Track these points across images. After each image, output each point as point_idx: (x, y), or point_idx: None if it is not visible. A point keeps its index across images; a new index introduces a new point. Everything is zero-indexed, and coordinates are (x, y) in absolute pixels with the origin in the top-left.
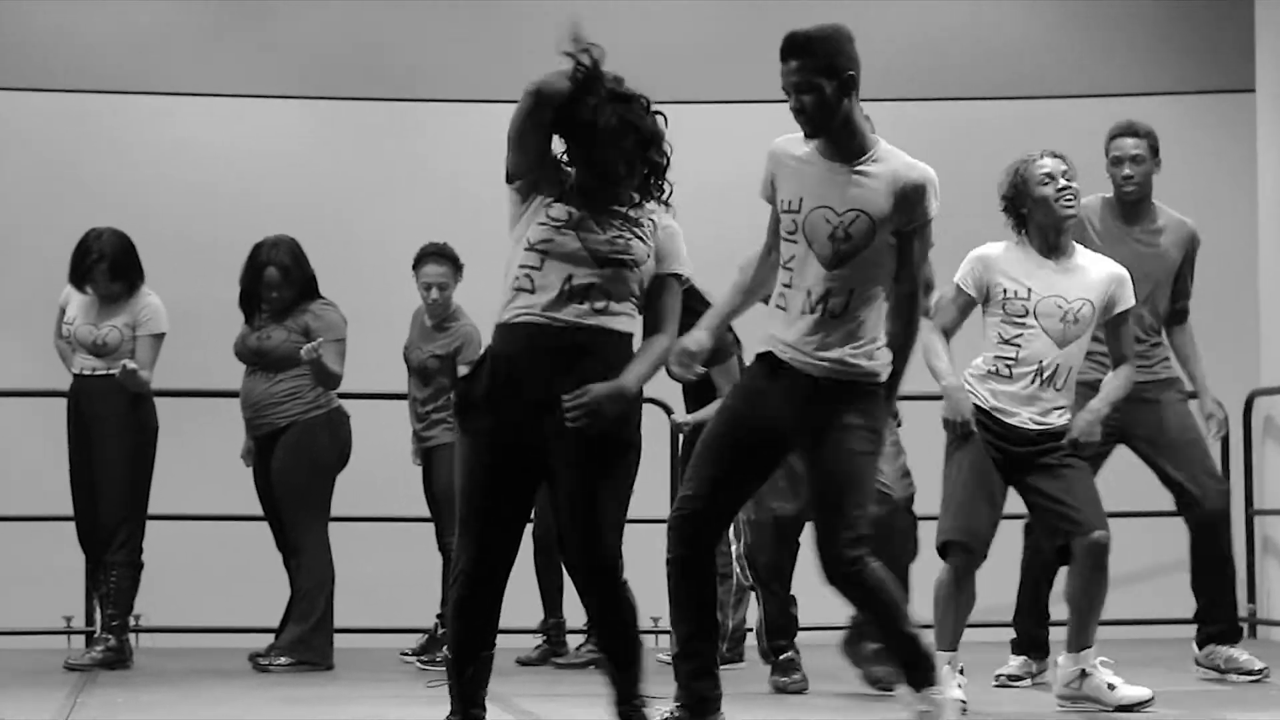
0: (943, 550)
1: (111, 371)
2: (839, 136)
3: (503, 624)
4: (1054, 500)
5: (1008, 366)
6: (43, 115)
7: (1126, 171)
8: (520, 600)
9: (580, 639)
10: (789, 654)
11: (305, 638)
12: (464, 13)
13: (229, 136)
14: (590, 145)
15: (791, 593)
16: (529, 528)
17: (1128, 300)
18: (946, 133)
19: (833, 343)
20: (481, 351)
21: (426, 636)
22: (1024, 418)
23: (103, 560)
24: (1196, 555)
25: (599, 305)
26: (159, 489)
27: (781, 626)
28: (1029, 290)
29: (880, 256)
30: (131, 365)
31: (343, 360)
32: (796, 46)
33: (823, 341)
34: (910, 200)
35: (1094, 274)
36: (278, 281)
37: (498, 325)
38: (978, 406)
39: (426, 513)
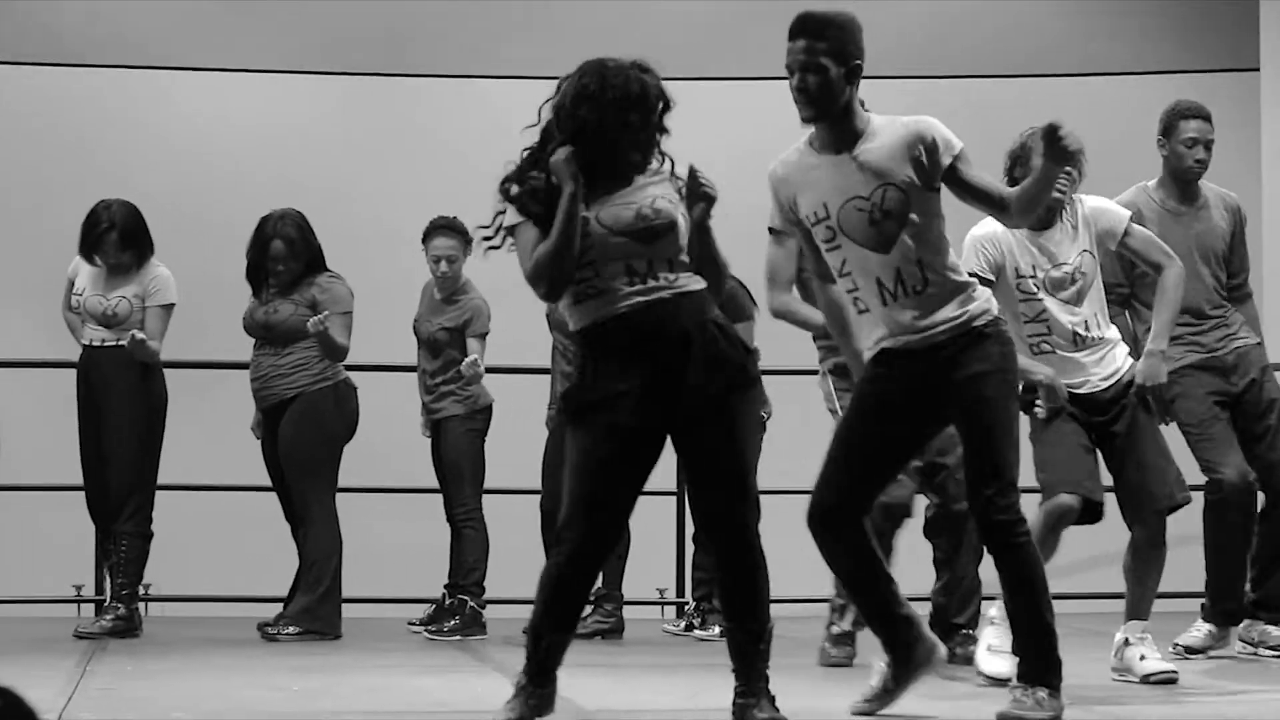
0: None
1: (121, 342)
2: (837, 124)
3: (511, 594)
4: (1130, 479)
5: (1045, 341)
6: (49, 90)
7: (1201, 155)
8: (527, 571)
9: (588, 609)
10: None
11: (313, 608)
12: None
13: (238, 111)
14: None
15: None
16: (536, 500)
17: (1118, 221)
18: (951, 111)
19: (931, 309)
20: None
21: (434, 606)
22: (1092, 381)
23: (112, 530)
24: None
25: (667, 278)
26: (168, 460)
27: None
28: (1032, 267)
29: (928, 218)
30: (141, 335)
31: (349, 332)
32: (808, 27)
33: (922, 314)
34: (924, 149)
35: (1074, 222)
36: (284, 254)
37: (576, 332)
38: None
39: (435, 484)
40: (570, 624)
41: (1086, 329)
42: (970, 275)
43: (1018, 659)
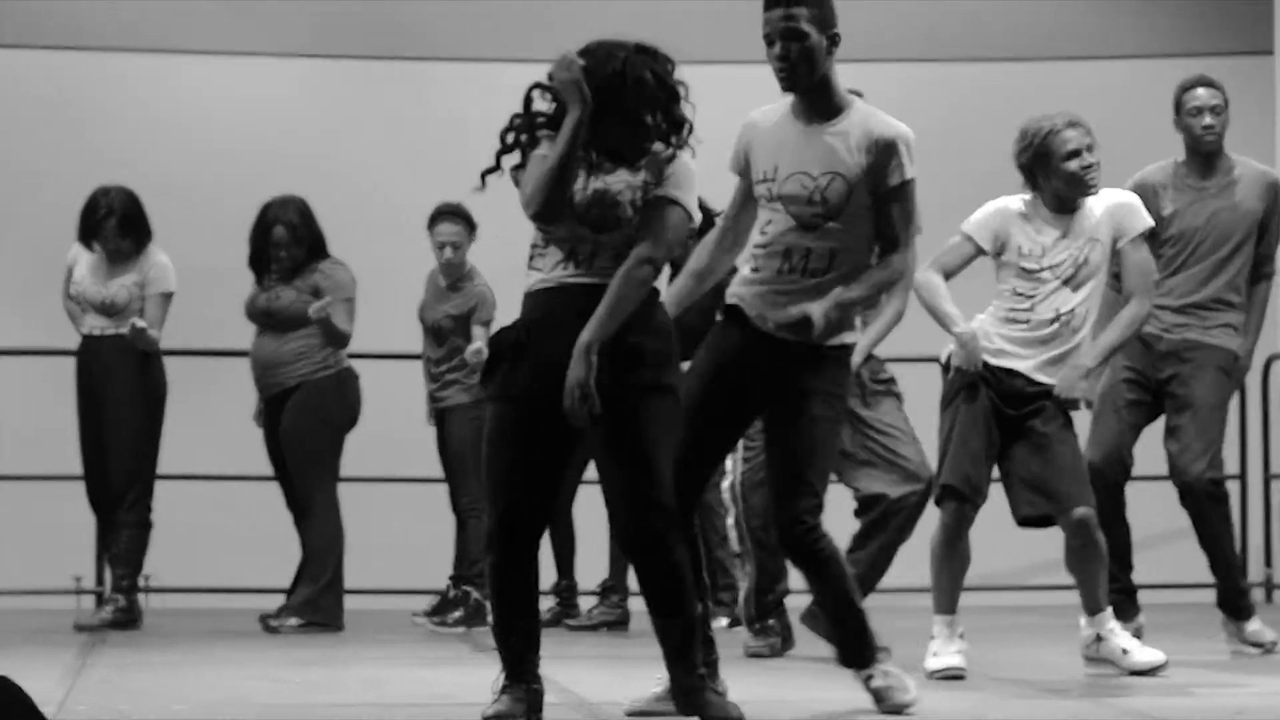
0: (938, 498)
1: (121, 331)
2: (816, 95)
3: None
4: (1032, 475)
5: (1024, 313)
6: (47, 74)
7: (1207, 121)
8: None
9: (593, 601)
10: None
11: (315, 599)
12: None
13: (239, 95)
14: (619, 96)
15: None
16: None
17: (1136, 225)
18: (957, 95)
19: (810, 298)
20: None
21: (439, 598)
22: (1029, 364)
23: (113, 520)
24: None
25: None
26: (169, 449)
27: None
28: (1043, 249)
29: (861, 220)
30: (141, 324)
31: (352, 319)
32: None
33: (795, 304)
34: (880, 158)
35: (1099, 210)
36: (286, 241)
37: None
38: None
39: (440, 473)
40: (529, 610)
41: (1072, 315)
42: (967, 238)
43: (840, 649)
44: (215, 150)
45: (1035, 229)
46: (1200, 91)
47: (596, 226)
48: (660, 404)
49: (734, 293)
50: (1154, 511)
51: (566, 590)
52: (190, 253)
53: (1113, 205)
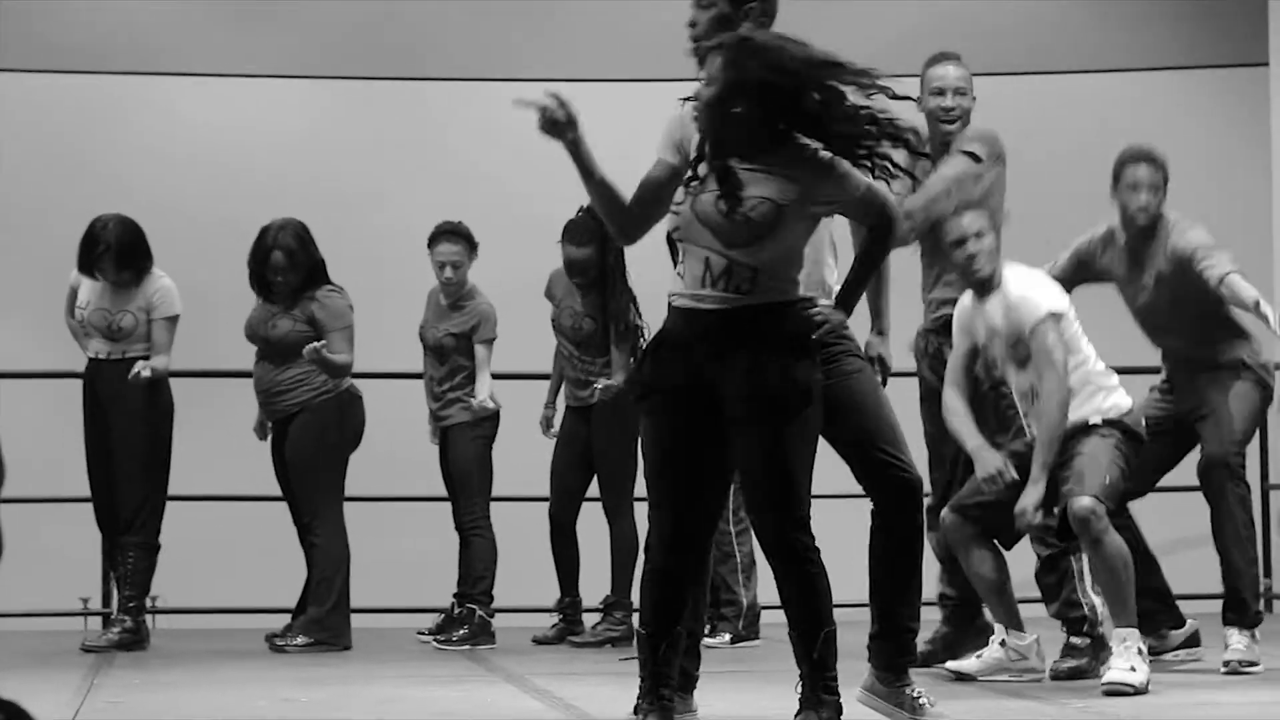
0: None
1: (129, 356)
2: None
3: (519, 602)
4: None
5: (1013, 405)
6: (51, 98)
7: (1142, 201)
8: (536, 578)
9: (596, 617)
10: None
11: (322, 618)
12: None
13: (240, 117)
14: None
15: None
16: (544, 507)
17: (1028, 319)
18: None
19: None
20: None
21: (443, 616)
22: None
23: (120, 542)
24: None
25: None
26: (175, 469)
27: None
28: (988, 333)
29: (794, 238)
30: (145, 373)
31: (351, 346)
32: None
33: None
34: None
35: (1004, 302)
36: (283, 265)
37: None
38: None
39: (443, 492)
40: (678, 621)
41: (1031, 397)
42: (955, 346)
43: (807, 672)
44: (217, 170)
45: (977, 320)
46: (1140, 169)
47: (736, 242)
48: (810, 416)
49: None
50: (1156, 520)
51: (570, 607)
52: (194, 274)
53: (1011, 305)
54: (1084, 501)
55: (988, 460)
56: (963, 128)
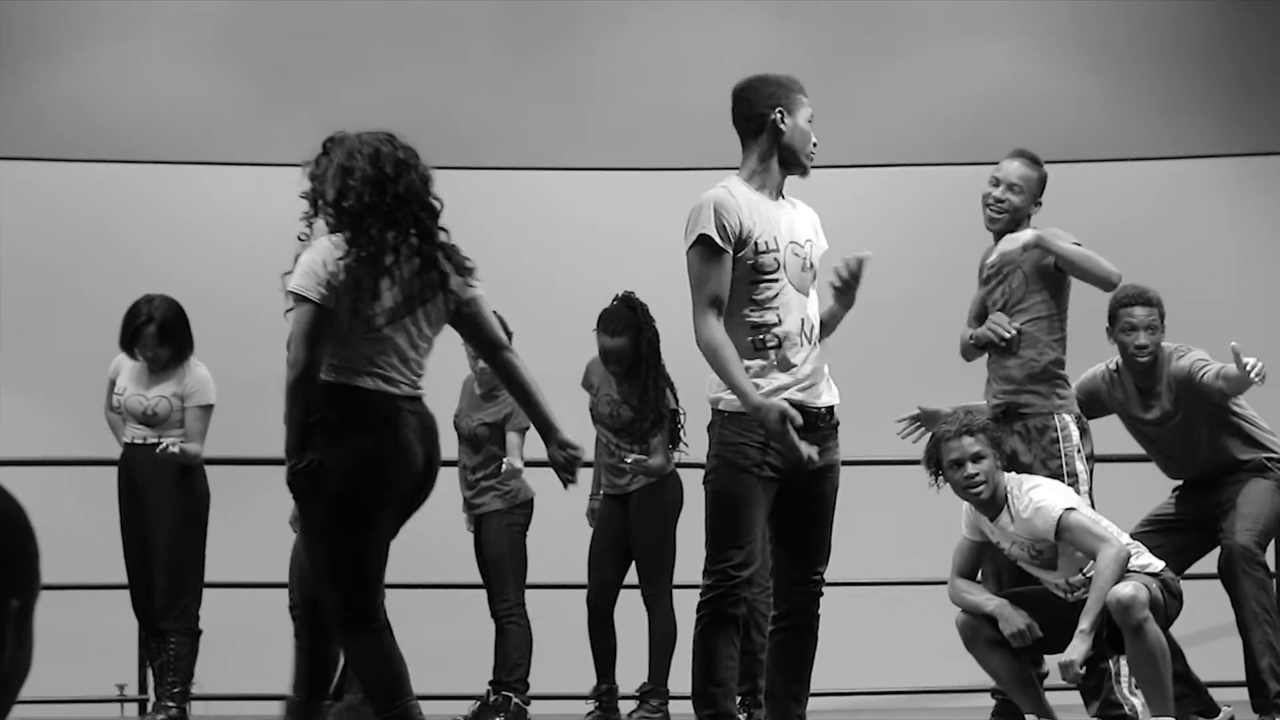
0: None
1: (165, 443)
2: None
3: (555, 689)
4: None
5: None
6: (91, 186)
7: (1141, 341)
8: (572, 665)
9: (633, 705)
10: None
11: (358, 705)
12: (515, 81)
13: (276, 205)
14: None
15: None
16: (579, 594)
17: (1048, 524)
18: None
19: (823, 371)
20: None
21: (479, 703)
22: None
23: (159, 628)
24: None
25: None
26: (212, 557)
27: None
28: (1010, 544)
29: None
30: (174, 448)
31: None
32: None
33: (821, 371)
34: (818, 229)
35: (1017, 517)
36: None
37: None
38: None
39: (479, 579)
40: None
41: (1070, 587)
42: (965, 537)
43: None
44: (255, 259)
45: (985, 525)
46: (1137, 311)
47: None
48: (312, 507)
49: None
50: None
51: (607, 694)
52: (231, 361)
53: (1023, 519)
54: (1126, 589)
55: (1012, 619)
56: (1010, 223)
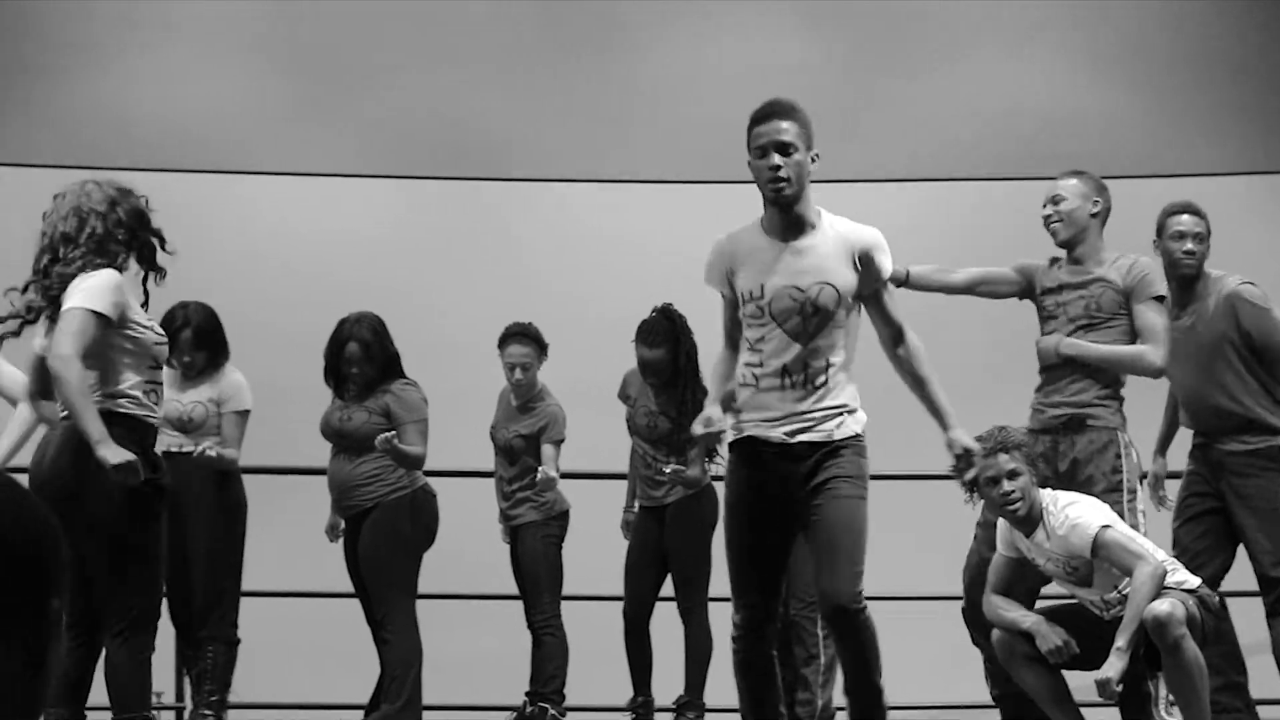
0: None
1: (201, 449)
2: (796, 212)
3: (591, 701)
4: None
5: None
6: None
7: (1188, 246)
8: (609, 677)
9: (669, 717)
10: None
11: (393, 716)
12: (551, 93)
13: (313, 216)
14: None
15: None
16: (615, 606)
17: (1084, 540)
18: (1023, 214)
19: (818, 404)
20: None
21: (515, 715)
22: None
23: (196, 637)
24: None
25: None
26: (249, 566)
27: None
28: (1045, 561)
29: (845, 322)
30: (211, 452)
31: (425, 439)
32: (786, 109)
33: (805, 414)
34: (857, 256)
35: (1053, 533)
36: (358, 357)
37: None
38: None
39: (515, 590)
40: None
41: (1106, 604)
42: (1000, 554)
43: None
44: (289, 268)
45: (1020, 542)
46: (1184, 218)
47: None
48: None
49: (738, 420)
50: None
51: (643, 706)
52: (266, 371)
53: (1059, 536)
54: (1163, 606)
55: (1048, 635)
56: (1072, 230)
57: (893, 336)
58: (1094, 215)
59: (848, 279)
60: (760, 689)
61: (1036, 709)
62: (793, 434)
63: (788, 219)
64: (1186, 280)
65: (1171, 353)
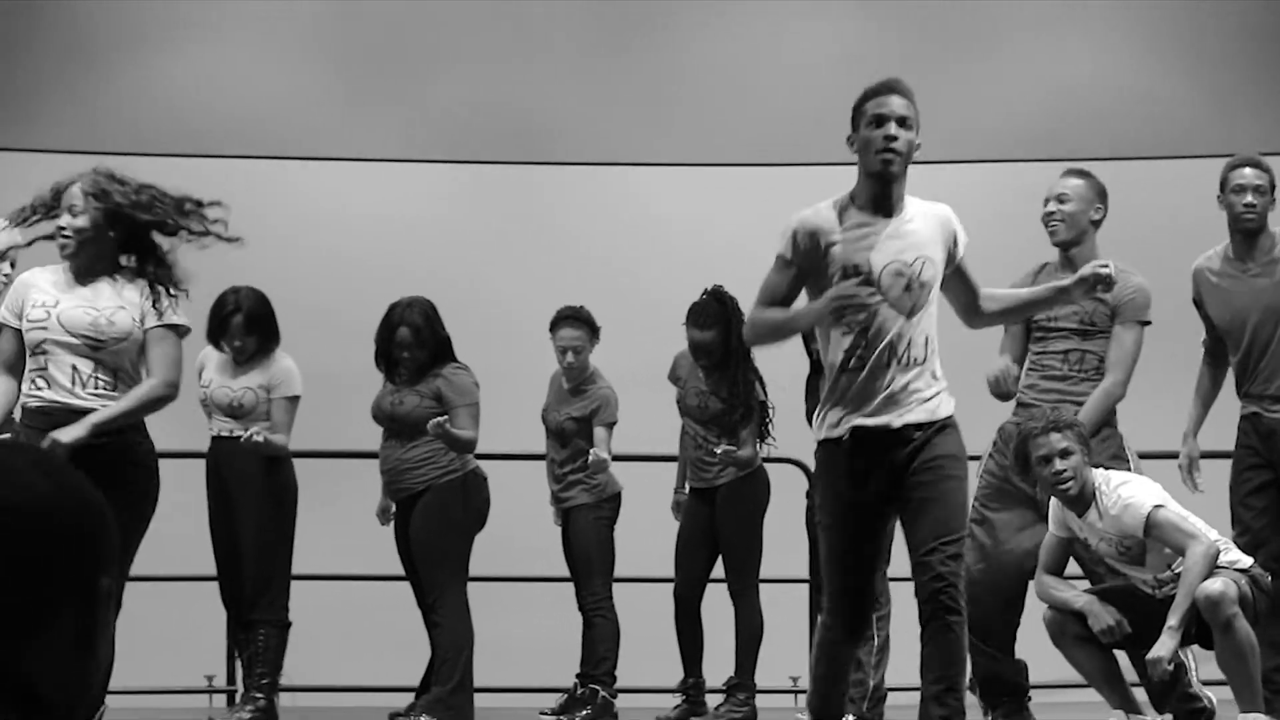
0: None
1: (249, 430)
2: (895, 188)
3: (642, 683)
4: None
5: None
6: (177, 181)
7: (1249, 199)
8: (659, 659)
9: (719, 699)
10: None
11: (445, 697)
12: (602, 76)
13: (364, 200)
14: None
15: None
16: (666, 588)
17: (1137, 520)
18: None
19: (920, 389)
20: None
21: (566, 696)
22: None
23: (248, 620)
24: None
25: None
26: (300, 549)
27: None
28: (1097, 540)
29: (935, 295)
30: (259, 437)
31: (476, 423)
32: (904, 87)
33: (910, 390)
34: (951, 231)
35: (1106, 513)
36: (410, 342)
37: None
38: None
39: (566, 573)
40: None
41: (1158, 584)
42: (1051, 534)
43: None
44: (341, 254)
45: (1085, 524)
46: (1246, 171)
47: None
48: None
49: (837, 414)
50: None
51: (694, 688)
52: (316, 357)
53: (1113, 511)
54: (1215, 585)
55: (1101, 615)
56: (1070, 232)
57: (975, 297)
58: (1094, 222)
59: (942, 254)
60: (840, 683)
61: (1011, 689)
62: (898, 416)
63: (886, 194)
64: (1250, 234)
65: (1235, 306)
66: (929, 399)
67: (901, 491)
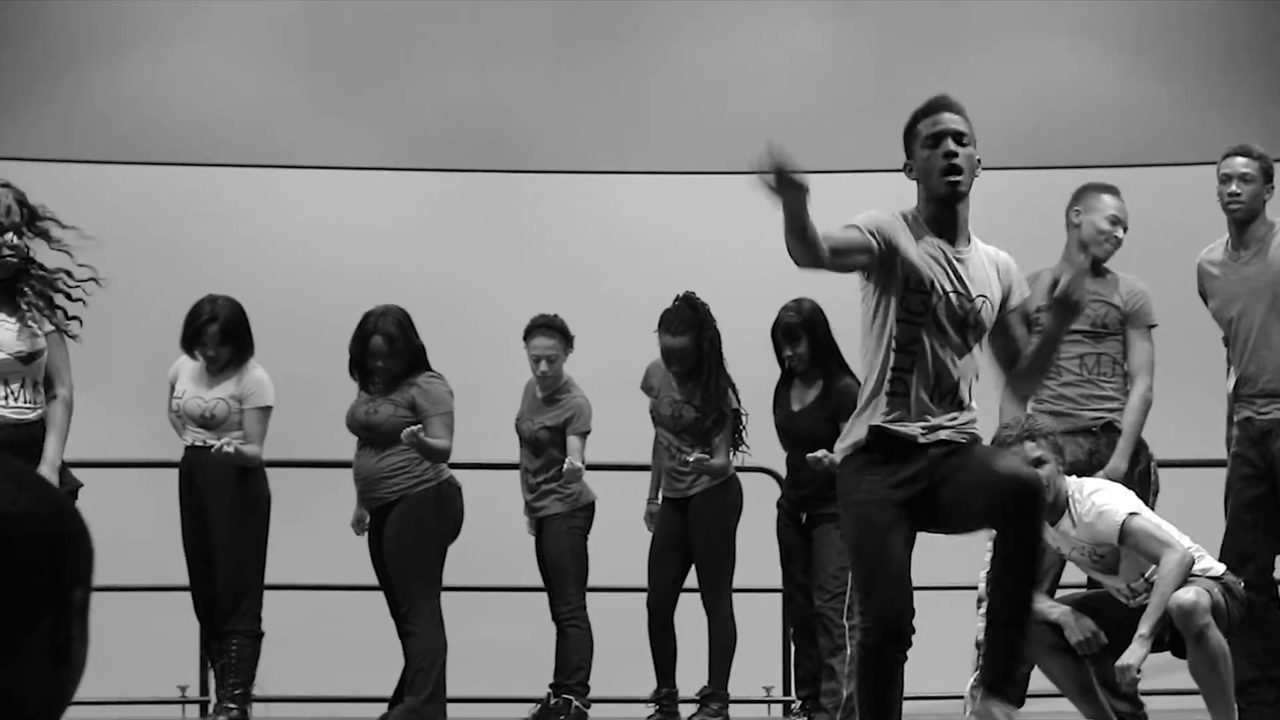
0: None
1: (221, 445)
2: (960, 212)
3: (615, 693)
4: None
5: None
6: (152, 189)
7: (1233, 189)
8: (633, 669)
9: (692, 709)
10: None
11: (418, 708)
12: (576, 85)
13: (338, 209)
14: None
15: None
16: (640, 597)
17: (1110, 528)
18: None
19: (955, 420)
20: None
21: (539, 706)
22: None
23: (220, 630)
24: None
25: None
26: (273, 559)
27: None
28: (1070, 550)
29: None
30: (229, 448)
31: (450, 432)
32: (956, 104)
33: (944, 426)
34: (1013, 280)
35: (1079, 521)
36: (384, 351)
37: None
38: None
39: (540, 582)
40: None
41: (1132, 592)
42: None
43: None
44: (316, 262)
45: (1059, 534)
46: (1237, 160)
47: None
48: None
49: (875, 416)
50: None
51: (667, 698)
52: (291, 365)
53: (1085, 523)
54: (1188, 595)
55: (1077, 627)
56: (1249, 211)
57: (1017, 353)
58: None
59: (999, 298)
60: (888, 693)
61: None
62: (930, 430)
63: (951, 219)
64: (1241, 223)
65: (1231, 294)
66: (964, 429)
67: (929, 493)
